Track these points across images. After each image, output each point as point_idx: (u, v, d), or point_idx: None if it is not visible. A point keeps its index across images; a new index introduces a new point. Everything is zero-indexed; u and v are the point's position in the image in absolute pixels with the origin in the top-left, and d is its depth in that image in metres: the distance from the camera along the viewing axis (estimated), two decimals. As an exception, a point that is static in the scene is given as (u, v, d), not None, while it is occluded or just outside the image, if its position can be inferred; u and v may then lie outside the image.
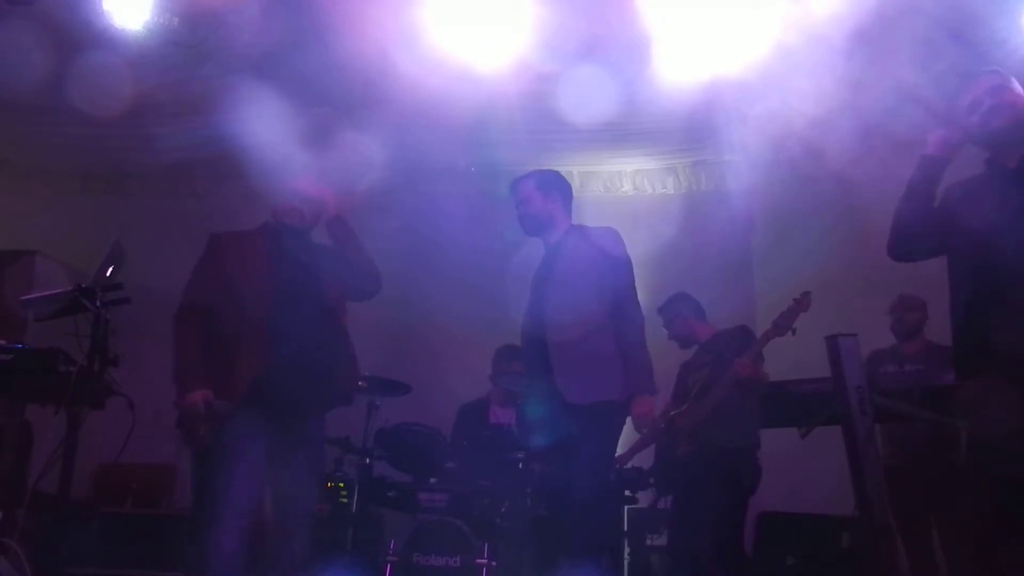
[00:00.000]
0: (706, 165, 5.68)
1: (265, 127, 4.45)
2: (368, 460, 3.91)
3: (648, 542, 4.14)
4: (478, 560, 3.66)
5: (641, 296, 6.16)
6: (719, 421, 3.29)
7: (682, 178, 5.77)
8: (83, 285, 2.64)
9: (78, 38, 4.07)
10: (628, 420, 2.75)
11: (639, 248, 5.30)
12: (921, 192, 2.30)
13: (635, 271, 5.90)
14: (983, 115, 2.26)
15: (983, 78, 2.32)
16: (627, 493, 4.05)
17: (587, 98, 4.52)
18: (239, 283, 2.67)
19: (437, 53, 4.24)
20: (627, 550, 4.14)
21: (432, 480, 4.11)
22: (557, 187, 3.08)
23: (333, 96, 4.78)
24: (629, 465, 4.14)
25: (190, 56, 4.30)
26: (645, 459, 3.99)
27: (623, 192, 5.87)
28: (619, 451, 3.38)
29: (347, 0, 4.02)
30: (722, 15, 4.14)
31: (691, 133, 5.25)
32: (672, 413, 3.54)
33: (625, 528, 4.16)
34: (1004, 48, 4.05)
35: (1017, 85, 2.31)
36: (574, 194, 6.00)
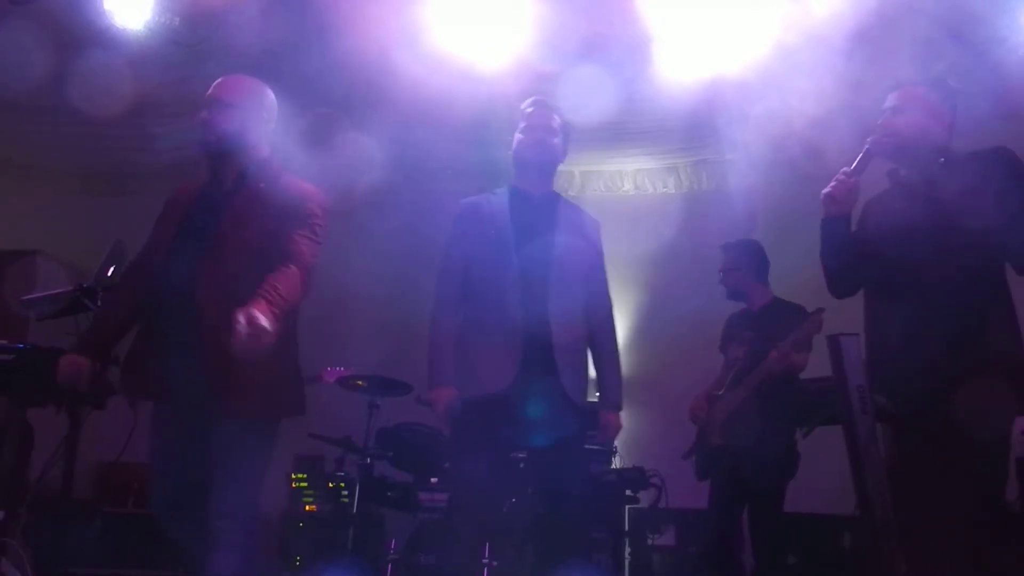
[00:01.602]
0: (707, 164, 5.68)
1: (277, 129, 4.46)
2: (369, 460, 3.91)
3: (649, 542, 4.14)
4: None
5: (642, 296, 6.15)
6: (751, 419, 3.15)
7: (683, 177, 5.77)
8: (84, 285, 2.64)
9: (79, 38, 4.07)
10: None
11: (640, 247, 5.34)
12: (835, 248, 2.32)
13: (636, 270, 5.90)
14: (877, 134, 2.30)
15: (897, 92, 2.33)
16: (628, 493, 4.04)
17: (588, 97, 4.51)
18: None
19: (438, 52, 4.24)
20: (628, 550, 4.14)
21: (433, 480, 4.11)
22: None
23: (334, 96, 4.78)
24: (630, 465, 4.14)
25: (191, 56, 4.29)
26: (647, 459, 3.98)
27: (624, 191, 5.87)
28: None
29: (347, 0, 4.02)
30: (722, 15, 4.14)
31: (692, 132, 5.25)
32: (714, 394, 3.42)
33: (626, 528, 4.16)
34: (1004, 47, 4.04)
35: (930, 98, 2.28)
36: (575, 194, 6.02)
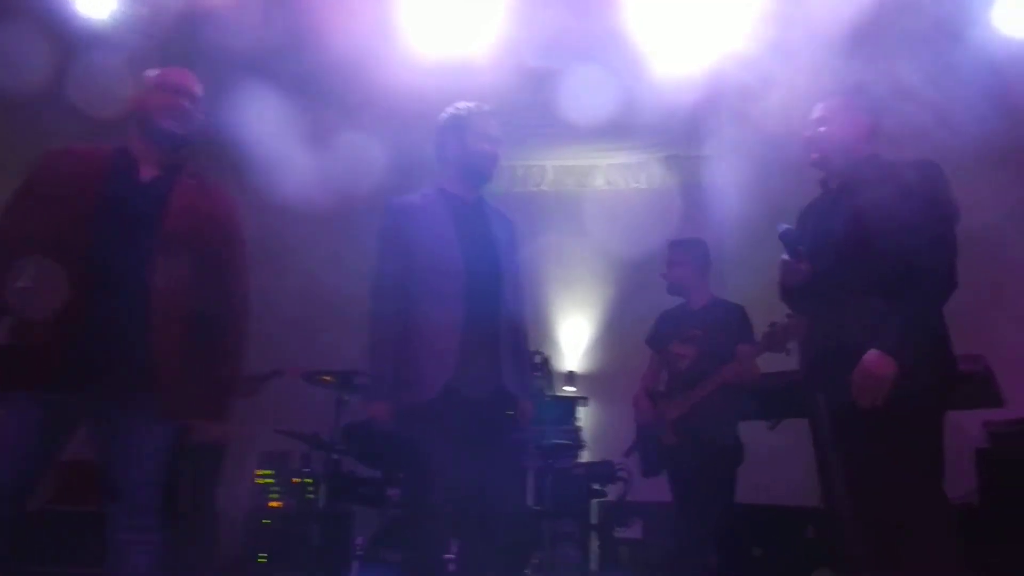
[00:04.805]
0: (679, 160, 5.70)
1: (263, 127, 4.40)
2: (336, 456, 3.86)
3: (616, 534, 4.16)
4: (446, 555, 3.63)
5: (611, 291, 6.14)
6: (704, 419, 3.21)
7: (656, 173, 5.79)
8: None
9: (75, 38, 4.00)
10: None
11: (611, 243, 5.34)
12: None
13: (607, 265, 5.86)
14: (805, 146, 2.45)
15: (822, 105, 2.44)
16: (595, 486, 4.05)
17: (563, 94, 4.52)
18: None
19: (432, 53, 4.24)
20: (596, 542, 4.16)
21: (401, 475, 4.08)
22: None
23: (330, 96, 4.76)
24: (599, 459, 4.14)
25: (186, 57, 4.21)
26: (615, 453, 3.98)
27: (596, 187, 5.87)
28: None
29: (343, 0, 3.99)
30: (699, 9, 4.16)
31: (666, 128, 5.27)
32: (655, 391, 3.47)
33: (593, 521, 4.18)
34: (1003, 48, 4.07)
35: (849, 108, 2.41)
36: (546, 189, 5.99)
